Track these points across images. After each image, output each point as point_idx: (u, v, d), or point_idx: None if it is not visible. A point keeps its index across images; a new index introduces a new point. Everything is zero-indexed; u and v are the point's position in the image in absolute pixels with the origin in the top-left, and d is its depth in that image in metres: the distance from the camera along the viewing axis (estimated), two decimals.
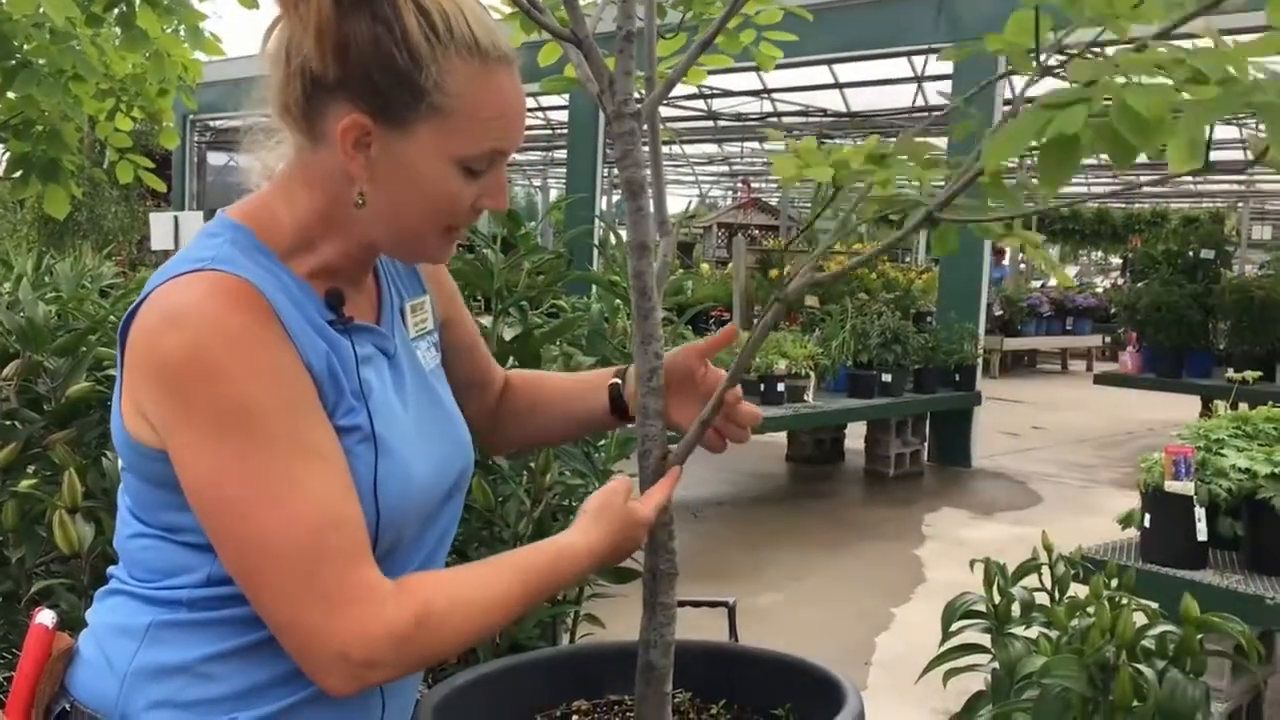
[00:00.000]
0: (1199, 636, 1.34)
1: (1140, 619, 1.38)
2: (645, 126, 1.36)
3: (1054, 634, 1.42)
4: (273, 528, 1.04)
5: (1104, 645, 1.28)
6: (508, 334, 2.11)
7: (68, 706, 1.15)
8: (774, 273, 10.04)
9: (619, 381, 1.46)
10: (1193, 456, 3.62)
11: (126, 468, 1.16)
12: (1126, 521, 4.03)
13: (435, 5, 1.10)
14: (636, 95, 1.35)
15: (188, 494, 1.07)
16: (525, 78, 1.18)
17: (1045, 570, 1.62)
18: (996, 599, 1.55)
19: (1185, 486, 3.59)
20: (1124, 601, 1.39)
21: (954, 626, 1.58)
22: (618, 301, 2.12)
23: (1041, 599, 1.68)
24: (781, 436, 8.45)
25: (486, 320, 2.14)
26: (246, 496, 1.04)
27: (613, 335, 2.13)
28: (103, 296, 2.81)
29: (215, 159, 17.32)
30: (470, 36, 1.11)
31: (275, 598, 1.05)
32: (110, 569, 1.23)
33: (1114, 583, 1.53)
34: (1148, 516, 3.74)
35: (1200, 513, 3.61)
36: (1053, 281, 21.92)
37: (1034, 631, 1.61)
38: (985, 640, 1.56)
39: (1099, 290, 18.39)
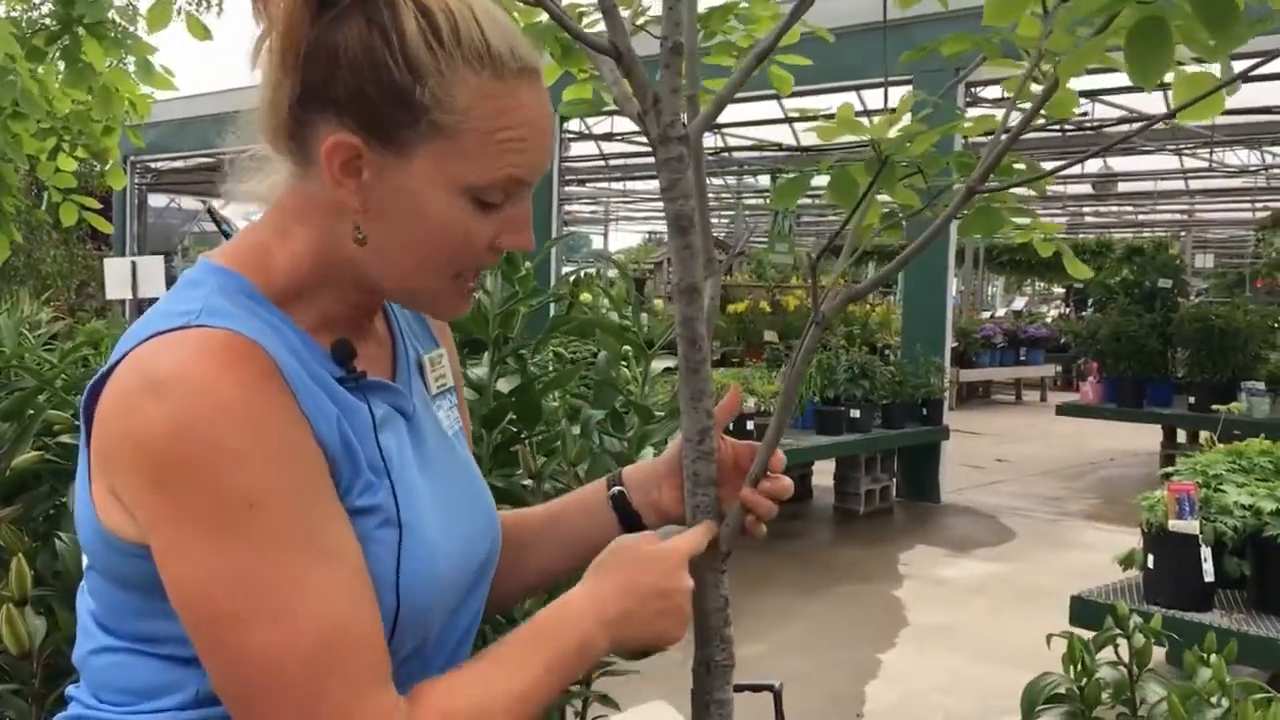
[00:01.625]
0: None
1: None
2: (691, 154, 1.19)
3: None
4: (272, 646, 0.86)
5: None
6: (504, 385, 1.92)
7: None
8: (735, 307, 9.93)
9: (622, 489, 1.24)
10: (1196, 495, 3.50)
11: (93, 565, 0.96)
12: (1127, 562, 3.90)
13: (440, 5, 0.92)
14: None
15: (173, 600, 0.88)
16: None
17: (1122, 642, 1.46)
18: (1078, 678, 1.38)
19: (1190, 525, 3.47)
20: (1265, 698, 1.21)
21: (1038, 709, 1.41)
22: (626, 348, 1.94)
23: (1118, 669, 1.51)
24: None
25: (481, 371, 1.95)
26: (242, 607, 0.86)
27: (621, 385, 1.95)
28: (46, 349, 2.58)
29: (156, 200, 16.97)
30: (482, 42, 0.93)
31: None
32: (69, 690, 1.02)
33: (1211, 657, 1.37)
34: (1150, 557, 3.62)
35: (1206, 553, 3.49)
36: (1001, 312, 22.07)
37: (1114, 713, 1.44)
38: None
39: (1049, 320, 18.53)
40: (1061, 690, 1.37)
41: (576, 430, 1.80)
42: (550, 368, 2.33)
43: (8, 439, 1.73)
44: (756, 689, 1.54)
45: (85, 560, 0.97)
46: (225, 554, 0.85)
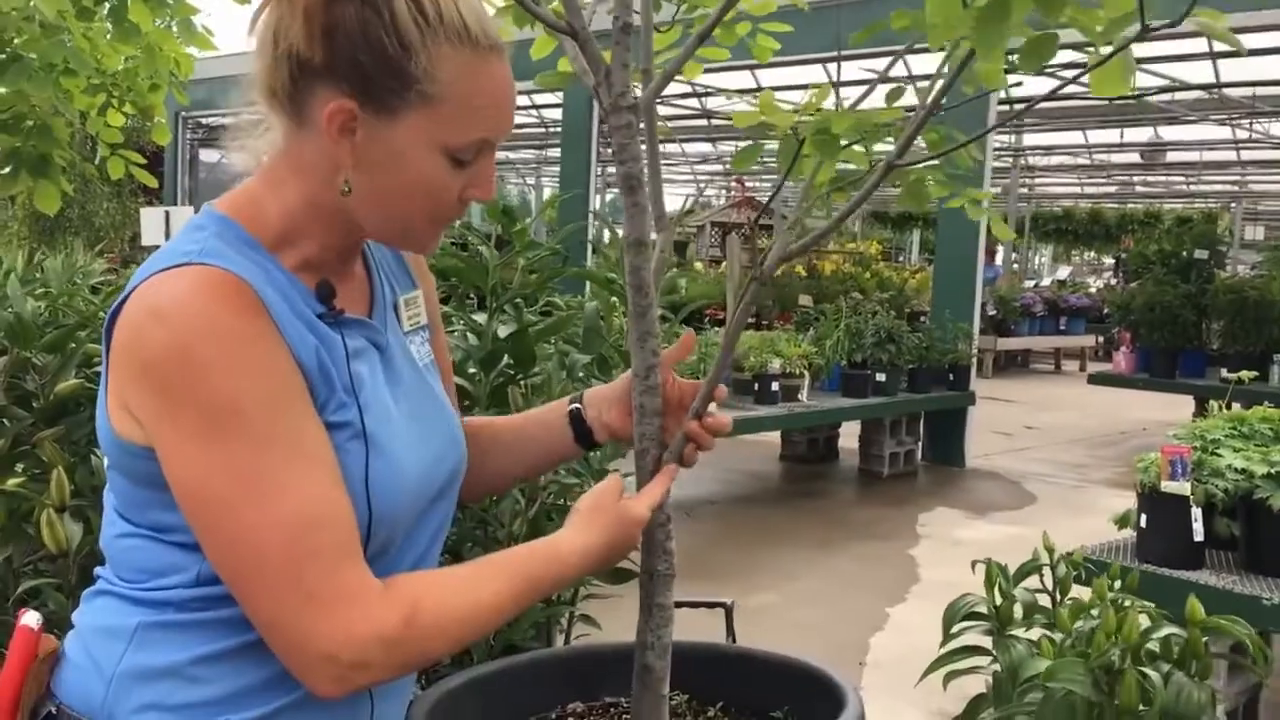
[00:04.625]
0: (1204, 639, 1.33)
1: (1144, 621, 1.37)
2: (642, 121, 1.34)
3: (1057, 636, 1.41)
4: (259, 527, 1.02)
5: (1109, 648, 1.26)
6: (502, 331, 2.09)
7: (53, 710, 1.13)
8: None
9: (579, 407, 1.43)
10: (1189, 457, 3.61)
11: (112, 465, 1.14)
12: (1123, 522, 4.01)
13: None
14: (634, 88, 1.33)
15: (174, 492, 1.05)
16: (517, 74, 1.16)
17: (1047, 571, 1.60)
18: (998, 600, 1.53)
19: (1181, 487, 3.58)
20: (1128, 604, 1.37)
21: (955, 628, 1.56)
22: (614, 299, 2.09)
23: (1043, 600, 1.66)
24: (775, 436, 8.43)
25: (481, 317, 2.11)
26: (233, 495, 1.02)
27: (609, 333, 2.11)
28: (93, 293, 2.78)
29: (207, 156, 17.26)
30: (460, 23, 1.08)
31: (262, 598, 1.03)
32: (97, 570, 1.20)
33: (1117, 584, 1.52)
34: (1144, 517, 3.73)
35: (1197, 513, 3.59)
36: (1045, 281, 21.95)
37: (1036, 633, 1.59)
38: (987, 642, 1.54)
39: (1092, 290, 18.41)
40: (981, 610, 1.52)
41: (564, 374, 1.96)
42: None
43: (52, 369, 1.93)
44: (711, 606, 1.71)
45: (106, 461, 1.15)
46: (218, 451, 1.02)
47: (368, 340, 1.19)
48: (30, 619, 1.16)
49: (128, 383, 1.06)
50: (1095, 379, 9.97)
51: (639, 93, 1.35)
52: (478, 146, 1.12)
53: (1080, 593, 1.72)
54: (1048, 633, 1.56)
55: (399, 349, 1.25)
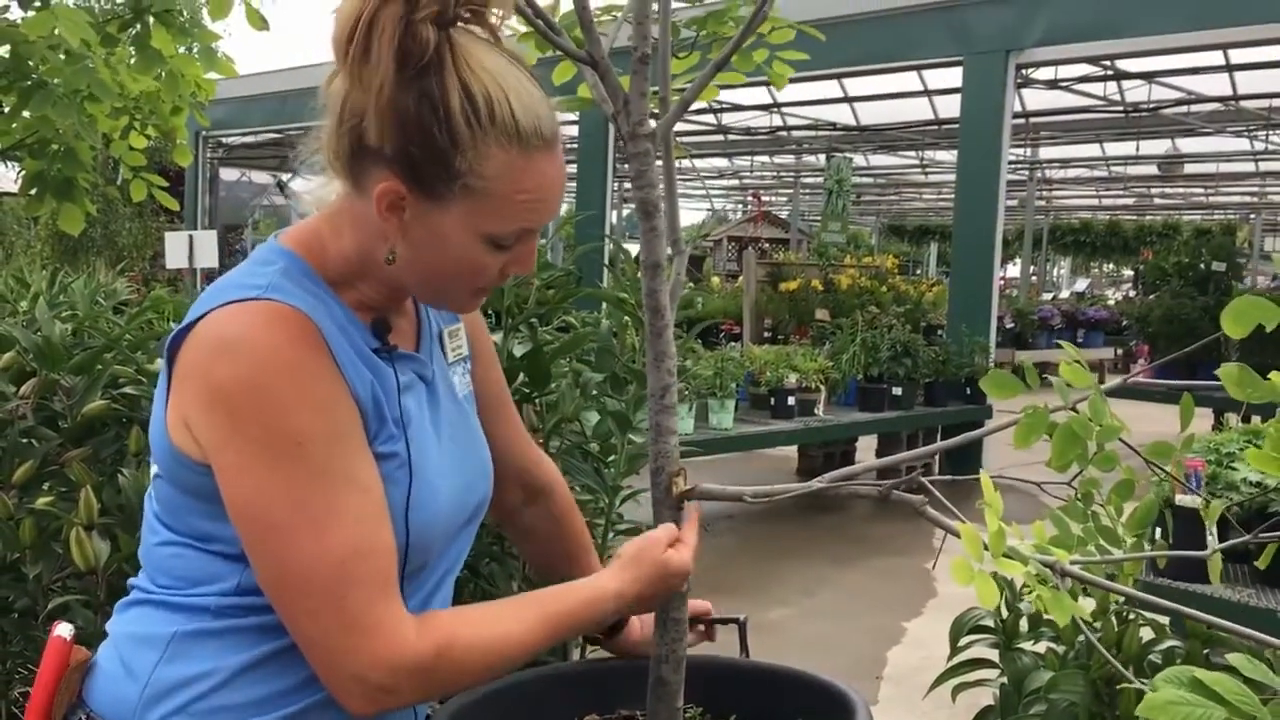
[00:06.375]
0: (1205, 651, 1.35)
1: (1148, 634, 1.39)
2: (659, 148, 1.37)
3: (1061, 649, 1.43)
4: (311, 553, 1.08)
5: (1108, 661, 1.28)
6: (517, 350, 2.13)
7: (84, 717, 1.18)
8: (786, 285, 10.04)
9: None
10: (1203, 470, 3.61)
11: (161, 474, 1.18)
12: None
13: (481, 88, 1.10)
14: (651, 114, 1.36)
15: (231, 511, 1.11)
16: None
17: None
18: (1004, 614, 1.55)
19: (1195, 501, 3.58)
20: (1131, 617, 1.40)
21: (962, 641, 1.58)
22: (626, 318, 2.13)
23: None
24: (791, 450, 8.44)
25: (497, 337, 2.15)
26: (289, 522, 1.08)
27: (622, 351, 2.15)
28: (116, 313, 2.84)
29: (227, 174, 17.42)
30: (512, 123, 1.11)
31: (304, 617, 1.09)
32: (131, 580, 1.25)
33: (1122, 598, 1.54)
34: (1157, 530, 3.73)
35: (1211, 526, 3.60)
36: (1064, 294, 21.90)
37: (1042, 646, 1.62)
38: (994, 655, 1.56)
39: (1110, 303, 18.36)
40: (988, 623, 1.55)
41: (577, 392, 2.00)
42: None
43: (80, 390, 1.97)
44: (725, 621, 1.73)
45: (154, 469, 1.20)
46: (277, 479, 1.08)
47: (416, 374, 1.25)
48: (63, 630, 1.21)
49: (193, 406, 1.11)
50: (1111, 392, 9.94)
51: (655, 114, 1.38)
52: (519, 234, 1.17)
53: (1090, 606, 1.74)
54: (1053, 645, 1.59)
55: (442, 381, 1.30)
